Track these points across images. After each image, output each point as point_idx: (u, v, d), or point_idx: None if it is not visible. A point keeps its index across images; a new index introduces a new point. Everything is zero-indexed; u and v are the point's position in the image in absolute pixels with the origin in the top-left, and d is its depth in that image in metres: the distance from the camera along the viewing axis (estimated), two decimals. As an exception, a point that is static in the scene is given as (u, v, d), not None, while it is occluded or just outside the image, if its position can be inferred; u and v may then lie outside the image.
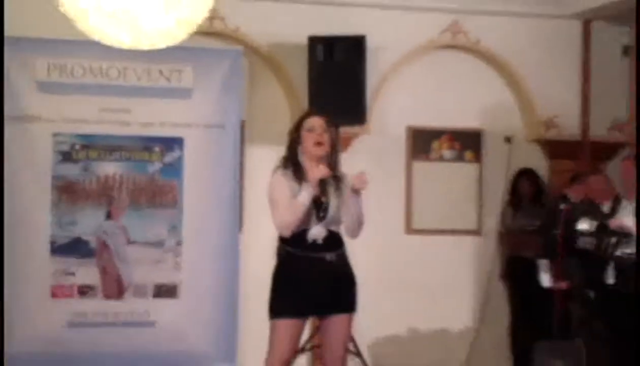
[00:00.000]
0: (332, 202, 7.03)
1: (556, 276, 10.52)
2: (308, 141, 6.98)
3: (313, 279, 6.99)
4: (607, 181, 11.21)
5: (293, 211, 6.81)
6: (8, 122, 10.74)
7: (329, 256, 7.02)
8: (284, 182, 6.94)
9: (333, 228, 7.09)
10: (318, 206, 6.98)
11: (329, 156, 7.04)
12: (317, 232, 6.98)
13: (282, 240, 7.06)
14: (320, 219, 6.98)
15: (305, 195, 6.80)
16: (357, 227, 7.24)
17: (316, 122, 7.03)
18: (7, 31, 10.79)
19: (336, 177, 7.09)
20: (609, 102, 12.24)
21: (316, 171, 6.86)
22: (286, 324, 7.01)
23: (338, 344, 7.18)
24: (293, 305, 7.03)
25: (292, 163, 7.02)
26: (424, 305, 12.01)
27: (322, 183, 6.98)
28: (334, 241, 7.09)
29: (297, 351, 7.34)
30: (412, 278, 11.96)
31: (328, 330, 7.17)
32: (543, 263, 10.68)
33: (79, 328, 10.89)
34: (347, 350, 7.38)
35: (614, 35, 12.26)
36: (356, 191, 7.07)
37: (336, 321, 7.15)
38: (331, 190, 7.03)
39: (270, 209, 7.04)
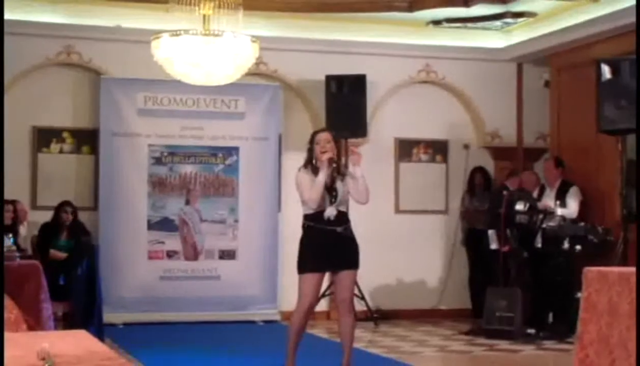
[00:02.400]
0: (340, 190, 6.98)
1: (500, 242, 10.51)
2: (317, 150, 6.95)
3: (328, 245, 6.94)
4: (536, 175, 11.25)
5: (315, 188, 6.81)
6: (119, 138, 10.91)
7: (339, 229, 6.95)
8: (306, 175, 6.94)
9: (341, 208, 7.03)
10: (330, 193, 6.93)
11: (334, 158, 6.98)
12: (330, 212, 6.91)
13: (305, 217, 7.02)
14: (332, 202, 6.93)
15: (322, 175, 6.81)
16: (365, 196, 7.07)
17: (322, 137, 7.01)
18: (118, 74, 11.00)
19: (342, 173, 7.07)
20: (535, 120, 12.18)
21: (324, 155, 6.90)
22: (310, 277, 6.96)
23: (346, 291, 7.09)
24: (314, 263, 6.97)
25: (310, 165, 6.98)
26: (408, 263, 11.96)
27: (332, 176, 6.93)
28: (342, 218, 7.01)
29: (319, 297, 7.26)
30: (400, 244, 11.90)
31: (339, 281, 7.10)
32: (491, 233, 10.61)
33: (167, 281, 11.00)
34: (353, 295, 7.27)
35: (538, 74, 12.15)
36: (355, 171, 7.00)
37: (345, 275, 7.06)
38: (339, 181, 7.00)
39: (298, 194, 7.02)
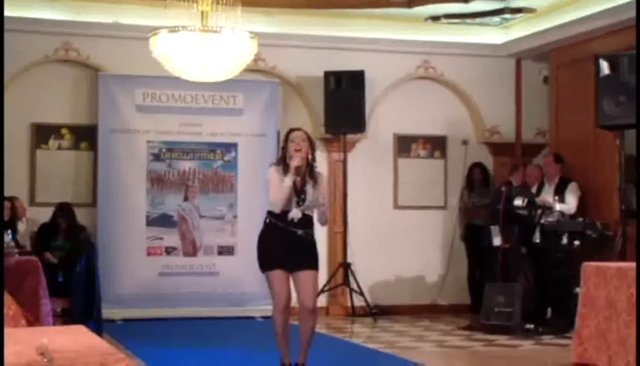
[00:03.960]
0: (309, 193, 6.89)
1: (503, 239, 10.52)
2: (291, 148, 6.88)
3: (286, 245, 6.82)
4: (540, 170, 11.16)
5: (281, 190, 6.76)
6: (117, 134, 10.93)
7: (300, 232, 6.84)
8: (276, 174, 6.88)
9: (308, 212, 6.92)
10: (299, 195, 6.85)
11: (306, 158, 6.91)
12: (295, 214, 6.82)
13: (270, 213, 6.92)
14: (299, 205, 6.85)
15: (288, 180, 6.73)
16: (324, 223, 7.09)
17: (296, 135, 6.95)
18: (116, 71, 11.01)
19: (313, 176, 6.96)
20: (534, 116, 12.19)
21: (293, 161, 6.89)
22: (275, 274, 6.84)
23: (308, 297, 6.92)
24: (274, 261, 6.85)
25: (283, 163, 6.91)
26: (406, 258, 11.95)
27: (303, 179, 6.87)
28: (306, 222, 6.92)
29: (290, 291, 7.14)
30: (399, 240, 11.91)
31: (299, 283, 6.92)
32: (495, 229, 10.58)
33: (166, 277, 11.01)
34: (315, 301, 7.12)
35: (537, 69, 12.16)
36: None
37: (304, 276, 6.90)
38: (309, 185, 6.91)
39: (267, 191, 6.97)
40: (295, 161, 6.81)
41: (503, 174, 11.71)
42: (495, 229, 10.59)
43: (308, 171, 6.93)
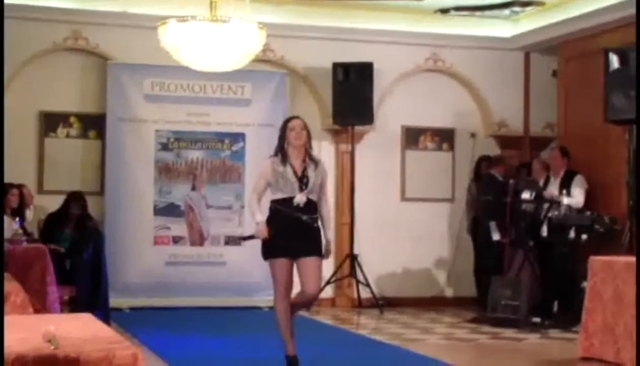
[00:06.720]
0: (311, 178, 6.88)
1: (502, 233, 10.49)
2: (291, 136, 6.89)
3: (291, 231, 6.82)
4: (545, 164, 11.15)
5: (250, 210, 6.95)
6: (125, 123, 10.94)
7: (305, 217, 6.84)
8: (268, 168, 6.86)
9: (311, 197, 6.92)
10: (301, 180, 6.84)
11: (306, 145, 6.93)
12: (300, 199, 6.81)
13: (274, 202, 6.89)
14: (302, 190, 6.84)
15: (259, 217, 6.89)
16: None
17: (296, 123, 6.96)
18: (125, 60, 11.00)
19: (313, 160, 6.96)
20: (543, 109, 12.15)
21: (297, 140, 6.88)
22: (279, 262, 6.82)
23: (314, 282, 6.89)
24: (279, 249, 6.82)
25: (281, 152, 6.90)
26: (413, 250, 11.94)
27: (304, 164, 6.87)
28: (311, 207, 6.92)
29: (292, 280, 7.13)
30: (406, 232, 11.90)
31: (303, 269, 6.89)
32: (493, 225, 10.60)
33: (173, 266, 11.03)
34: (319, 289, 7.18)
35: (545, 63, 12.12)
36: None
37: (308, 262, 6.87)
38: (310, 169, 6.91)
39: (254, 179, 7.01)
40: (298, 140, 6.88)
41: (487, 167, 11.63)
42: (493, 225, 10.58)
43: (307, 155, 6.94)
